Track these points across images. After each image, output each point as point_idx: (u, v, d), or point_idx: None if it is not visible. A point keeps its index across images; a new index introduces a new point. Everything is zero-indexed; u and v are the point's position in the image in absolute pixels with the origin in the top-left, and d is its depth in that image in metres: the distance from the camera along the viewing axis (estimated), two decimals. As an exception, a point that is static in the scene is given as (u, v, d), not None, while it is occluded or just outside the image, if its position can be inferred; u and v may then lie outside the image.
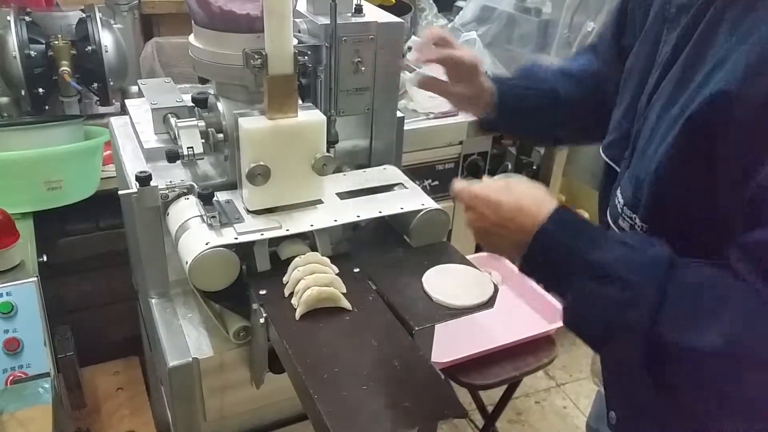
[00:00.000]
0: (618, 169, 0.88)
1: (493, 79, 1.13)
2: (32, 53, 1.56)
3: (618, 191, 0.84)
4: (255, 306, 0.97)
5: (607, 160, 0.93)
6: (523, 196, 0.80)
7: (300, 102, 1.01)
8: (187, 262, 0.94)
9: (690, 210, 0.73)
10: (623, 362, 0.73)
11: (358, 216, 1.06)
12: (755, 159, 0.63)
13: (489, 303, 0.98)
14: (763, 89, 0.63)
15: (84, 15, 1.65)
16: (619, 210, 0.82)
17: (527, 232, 0.76)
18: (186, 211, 1.00)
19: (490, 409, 1.94)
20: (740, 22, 0.67)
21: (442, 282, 0.99)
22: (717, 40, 0.70)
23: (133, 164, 1.13)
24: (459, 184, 0.87)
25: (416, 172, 1.85)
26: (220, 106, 1.06)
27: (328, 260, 1.00)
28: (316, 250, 1.03)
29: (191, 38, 1.06)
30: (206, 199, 1.01)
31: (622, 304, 0.66)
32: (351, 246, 1.10)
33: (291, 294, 0.96)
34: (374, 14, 1.14)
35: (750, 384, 0.62)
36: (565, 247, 0.72)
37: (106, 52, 1.63)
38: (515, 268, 1.17)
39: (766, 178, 0.62)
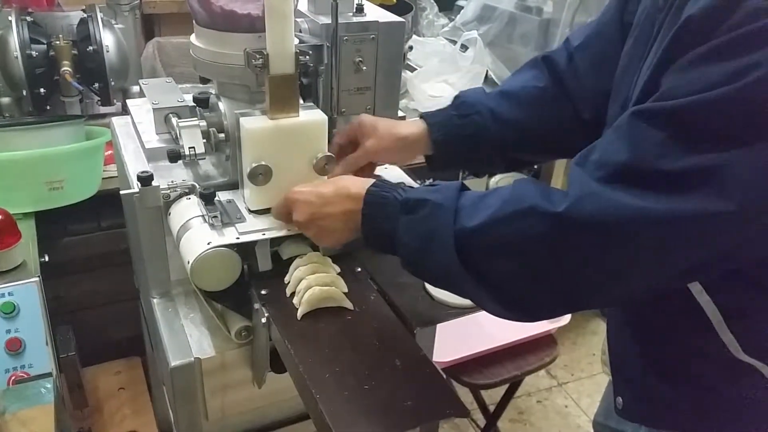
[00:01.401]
0: None
1: (422, 116, 1.09)
2: (34, 53, 1.56)
3: None
4: (257, 306, 0.97)
5: None
6: (338, 179, 0.93)
7: (301, 102, 1.01)
8: (188, 262, 0.94)
9: None
10: (443, 269, 0.79)
11: (360, 215, 1.06)
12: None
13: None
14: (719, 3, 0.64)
15: (85, 15, 1.65)
16: None
17: (356, 199, 0.86)
18: (187, 210, 1.01)
19: (491, 408, 1.94)
20: None
21: None
22: (689, 2, 0.71)
23: (135, 164, 1.13)
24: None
25: (417, 172, 1.84)
26: (222, 105, 1.06)
27: (329, 260, 1.00)
28: (318, 250, 1.03)
29: (192, 38, 1.06)
30: (208, 198, 1.01)
31: (428, 217, 0.78)
32: (352, 245, 1.10)
33: (293, 294, 0.96)
34: (375, 13, 1.14)
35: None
36: (386, 197, 0.84)
37: (108, 52, 1.63)
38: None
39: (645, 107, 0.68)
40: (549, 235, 0.70)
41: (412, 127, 1.08)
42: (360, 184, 0.88)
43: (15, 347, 1.18)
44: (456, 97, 1.10)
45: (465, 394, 1.90)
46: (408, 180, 1.19)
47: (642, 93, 0.73)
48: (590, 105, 1.00)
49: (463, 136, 1.06)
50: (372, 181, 0.89)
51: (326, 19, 1.06)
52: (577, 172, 0.72)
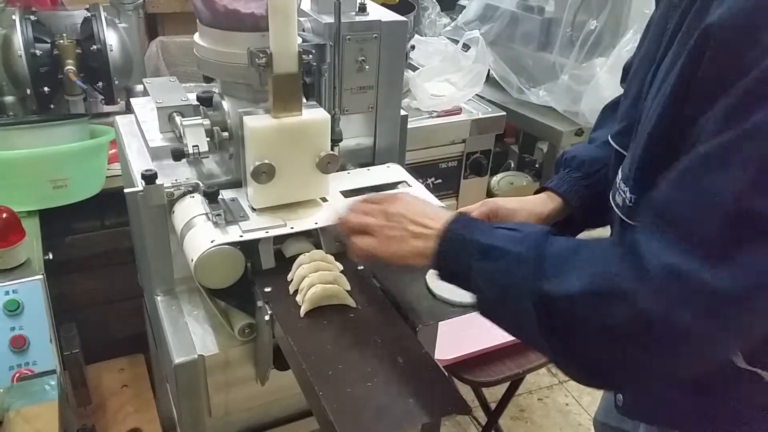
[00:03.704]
0: (627, 155, 0.89)
1: (546, 188, 1.07)
2: (37, 52, 1.56)
3: (619, 169, 0.86)
4: (260, 303, 0.97)
5: (616, 147, 0.93)
6: (425, 204, 0.89)
7: (304, 100, 1.02)
8: (192, 260, 0.94)
9: None
10: (521, 327, 0.77)
11: (362, 214, 1.07)
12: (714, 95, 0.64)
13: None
14: (741, 23, 0.62)
15: (89, 14, 1.66)
16: (617, 185, 0.84)
17: (432, 234, 0.82)
18: (191, 209, 1.01)
19: (493, 406, 1.94)
20: None
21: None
22: (711, 6, 0.70)
23: (139, 163, 1.14)
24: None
25: (420, 170, 1.85)
26: (225, 104, 1.06)
27: (332, 258, 1.01)
28: (321, 248, 1.03)
29: (196, 37, 1.06)
30: (211, 197, 1.02)
31: (507, 272, 0.75)
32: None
33: (296, 291, 0.96)
34: (378, 13, 1.15)
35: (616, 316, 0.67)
36: (464, 237, 0.80)
37: (111, 51, 1.63)
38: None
39: (699, 153, 0.64)
40: (640, 331, 0.66)
41: (547, 203, 1.05)
42: (438, 216, 0.84)
43: (19, 344, 1.19)
44: (569, 159, 1.07)
45: (466, 392, 1.90)
46: (410, 178, 1.19)
47: (659, 116, 0.73)
48: None
49: (600, 193, 1.00)
50: (447, 213, 0.85)
51: (329, 19, 1.07)
52: (657, 246, 0.66)
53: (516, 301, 0.73)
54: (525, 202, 1.06)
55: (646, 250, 0.66)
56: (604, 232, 1.00)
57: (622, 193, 0.82)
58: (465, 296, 0.95)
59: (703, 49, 0.66)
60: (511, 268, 0.74)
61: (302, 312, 0.93)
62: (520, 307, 0.73)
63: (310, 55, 0.99)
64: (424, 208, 0.87)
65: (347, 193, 1.12)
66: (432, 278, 1.00)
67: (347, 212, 0.92)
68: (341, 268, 1.00)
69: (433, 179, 2.00)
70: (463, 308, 0.96)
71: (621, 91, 1.02)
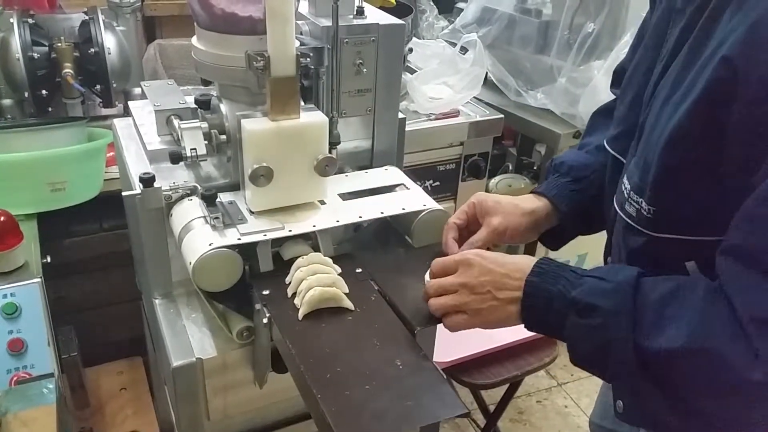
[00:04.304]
0: (624, 161, 0.89)
1: (536, 192, 1.06)
2: (35, 55, 1.57)
3: (624, 178, 0.85)
4: (258, 306, 0.97)
5: (613, 153, 0.93)
6: (498, 261, 0.86)
7: (302, 103, 1.02)
8: (190, 263, 0.94)
9: (695, 190, 0.74)
10: (619, 378, 0.79)
11: (360, 216, 1.07)
12: (758, 148, 0.65)
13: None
14: (762, 62, 0.63)
15: (87, 17, 1.66)
16: (626, 195, 0.83)
17: (519, 296, 0.81)
18: (189, 212, 1.01)
19: (491, 408, 1.94)
20: (746, 0, 0.68)
21: None
22: (723, 19, 0.71)
23: (137, 166, 1.13)
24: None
25: (418, 173, 1.85)
26: (223, 107, 1.06)
27: (330, 260, 1.01)
28: (319, 251, 1.03)
29: (194, 40, 1.06)
30: (209, 200, 1.02)
31: (601, 328, 0.74)
32: (353, 246, 1.11)
33: (294, 294, 0.96)
34: (375, 16, 1.15)
35: (717, 372, 0.68)
36: (551, 292, 0.79)
37: (109, 54, 1.63)
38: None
39: (762, 190, 0.65)
40: (743, 390, 0.68)
41: (535, 201, 1.03)
42: (518, 267, 0.83)
43: (17, 348, 1.19)
44: (558, 165, 1.07)
45: (465, 394, 1.91)
46: (408, 181, 1.19)
47: (679, 126, 0.73)
48: None
49: (589, 199, 1.01)
50: (530, 261, 0.84)
51: (327, 22, 1.07)
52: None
53: (614, 356, 0.74)
54: (510, 197, 1.04)
55: (736, 295, 0.67)
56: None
57: (634, 203, 0.81)
58: None
59: (730, 88, 0.66)
60: (607, 324, 0.74)
61: (300, 315, 0.93)
62: (617, 359, 0.74)
63: (308, 58, 0.99)
64: (503, 268, 0.85)
65: (345, 196, 1.12)
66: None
67: (431, 294, 0.90)
68: (339, 270, 1.00)
69: (431, 182, 2.01)
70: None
71: None
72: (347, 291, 0.97)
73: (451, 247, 1.00)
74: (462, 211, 1.04)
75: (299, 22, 1.11)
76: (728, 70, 0.66)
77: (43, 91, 1.60)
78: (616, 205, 0.87)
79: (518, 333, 1.71)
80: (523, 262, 0.84)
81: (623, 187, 0.84)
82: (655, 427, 0.90)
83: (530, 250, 2.05)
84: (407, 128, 1.29)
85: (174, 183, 1.04)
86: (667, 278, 0.75)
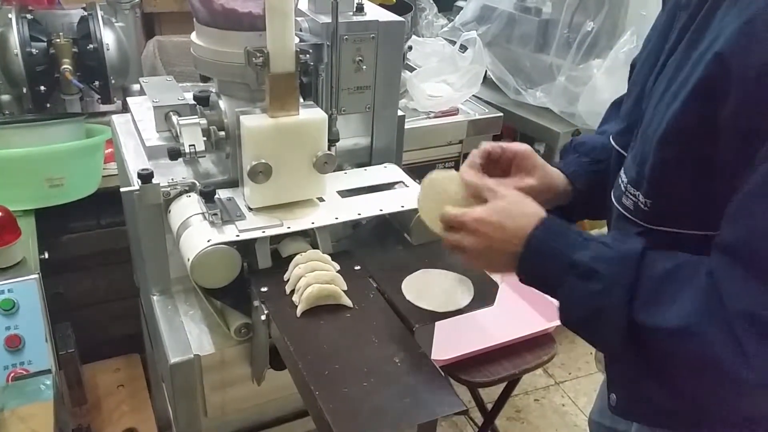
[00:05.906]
0: (626, 155, 0.89)
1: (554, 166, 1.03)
2: (34, 51, 1.56)
3: (622, 171, 0.85)
4: (256, 303, 0.97)
5: (617, 148, 0.93)
6: (514, 213, 0.84)
7: (301, 100, 1.02)
8: (188, 260, 0.94)
9: (691, 184, 0.74)
10: (607, 345, 0.79)
11: (359, 214, 1.07)
12: (755, 135, 0.65)
13: (488, 301, 0.99)
14: (756, 59, 0.64)
15: (85, 13, 1.66)
16: (623, 189, 0.83)
17: (519, 240, 0.80)
18: (188, 208, 1.01)
19: (489, 406, 1.94)
20: None
21: (423, 289, 0.99)
22: (719, 14, 0.71)
23: (135, 162, 1.13)
24: (453, 211, 0.87)
25: (417, 171, 1.84)
26: (222, 104, 1.06)
27: (329, 258, 1.01)
28: (317, 248, 1.03)
29: (193, 36, 1.06)
30: (208, 196, 1.02)
31: (599, 294, 0.74)
32: (352, 244, 1.11)
33: (292, 291, 0.96)
34: (375, 13, 1.15)
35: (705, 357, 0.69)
36: (554, 249, 0.79)
37: (108, 50, 1.63)
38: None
39: (749, 185, 0.65)
40: (729, 383, 0.68)
41: (560, 177, 1.01)
42: (526, 225, 0.81)
43: (14, 344, 1.18)
44: (578, 145, 1.05)
45: (463, 392, 1.90)
46: (407, 179, 1.19)
47: (674, 120, 0.73)
48: None
49: (604, 182, 0.98)
50: (538, 214, 0.82)
51: (326, 18, 1.07)
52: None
53: (609, 327, 0.73)
54: (545, 166, 1.00)
55: (725, 290, 0.68)
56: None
57: (631, 197, 0.82)
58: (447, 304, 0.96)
59: (723, 84, 0.66)
60: (605, 292, 0.74)
61: (299, 312, 0.93)
62: (607, 328, 0.74)
63: (308, 55, 0.99)
64: (513, 222, 0.82)
65: (344, 193, 1.12)
66: (408, 290, 0.99)
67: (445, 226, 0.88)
68: (338, 267, 1.00)
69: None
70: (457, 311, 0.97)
71: (618, 92, 1.02)
72: (346, 288, 0.97)
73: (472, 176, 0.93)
74: (497, 147, 0.98)
75: (299, 18, 1.11)
76: (721, 66, 0.67)
77: (42, 87, 1.60)
78: (613, 198, 0.88)
79: (516, 331, 1.72)
80: (535, 215, 0.82)
81: (620, 180, 0.85)
82: (646, 418, 0.91)
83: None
84: (406, 126, 1.29)
85: (172, 179, 1.04)
86: (672, 255, 0.75)
